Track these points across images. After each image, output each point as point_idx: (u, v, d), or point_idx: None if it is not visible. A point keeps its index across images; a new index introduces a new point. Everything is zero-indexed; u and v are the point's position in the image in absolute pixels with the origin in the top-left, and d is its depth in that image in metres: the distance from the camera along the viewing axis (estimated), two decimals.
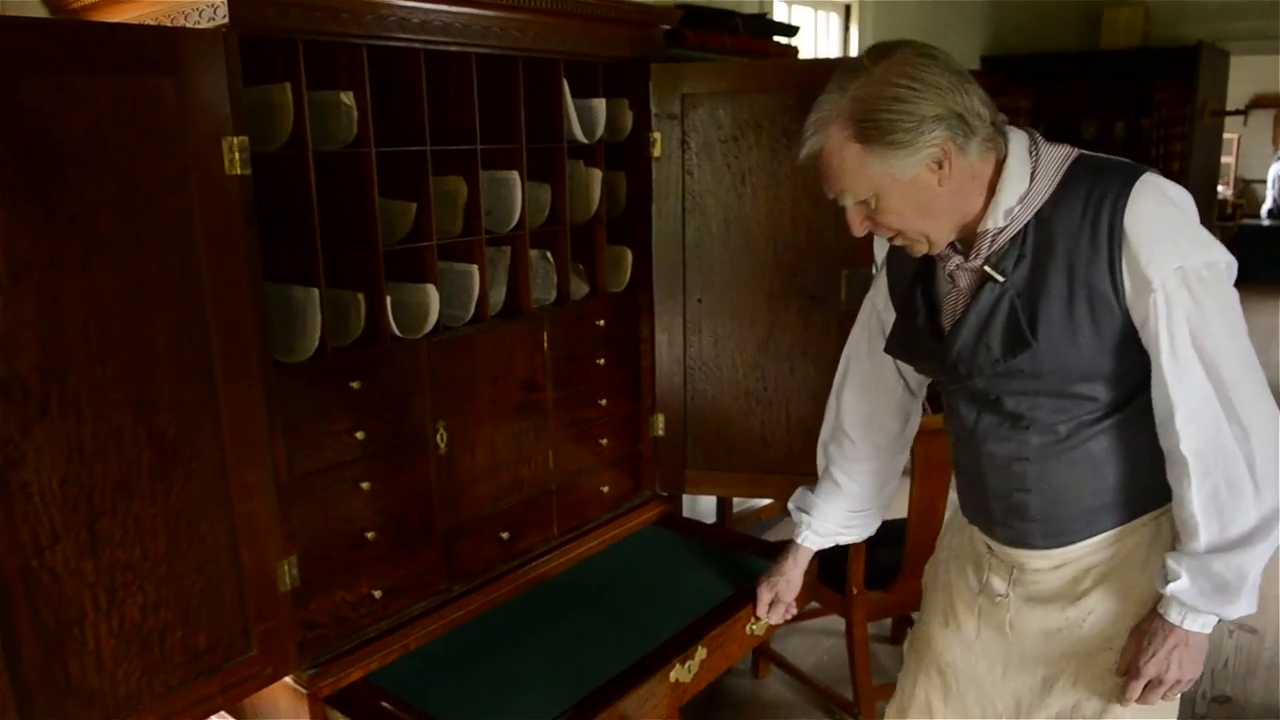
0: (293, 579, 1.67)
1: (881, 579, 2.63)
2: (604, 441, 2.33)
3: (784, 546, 1.93)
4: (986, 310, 1.40)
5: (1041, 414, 1.42)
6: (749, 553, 2.28)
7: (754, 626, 2.01)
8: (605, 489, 2.37)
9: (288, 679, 1.71)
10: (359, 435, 1.77)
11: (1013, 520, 1.51)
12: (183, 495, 1.50)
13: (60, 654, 1.38)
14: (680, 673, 1.80)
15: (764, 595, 1.95)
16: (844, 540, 1.86)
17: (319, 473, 1.73)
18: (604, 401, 2.32)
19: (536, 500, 2.18)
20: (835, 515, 1.81)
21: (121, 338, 1.39)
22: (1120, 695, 1.46)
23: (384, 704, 1.71)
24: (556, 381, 2.18)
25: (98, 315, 1.36)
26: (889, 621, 3.32)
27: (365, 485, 1.80)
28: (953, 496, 2.71)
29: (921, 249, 1.42)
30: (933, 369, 1.56)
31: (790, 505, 1.88)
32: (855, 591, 2.62)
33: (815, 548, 1.87)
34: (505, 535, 2.10)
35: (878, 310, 1.67)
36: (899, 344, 1.59)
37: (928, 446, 2.27)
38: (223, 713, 1.80)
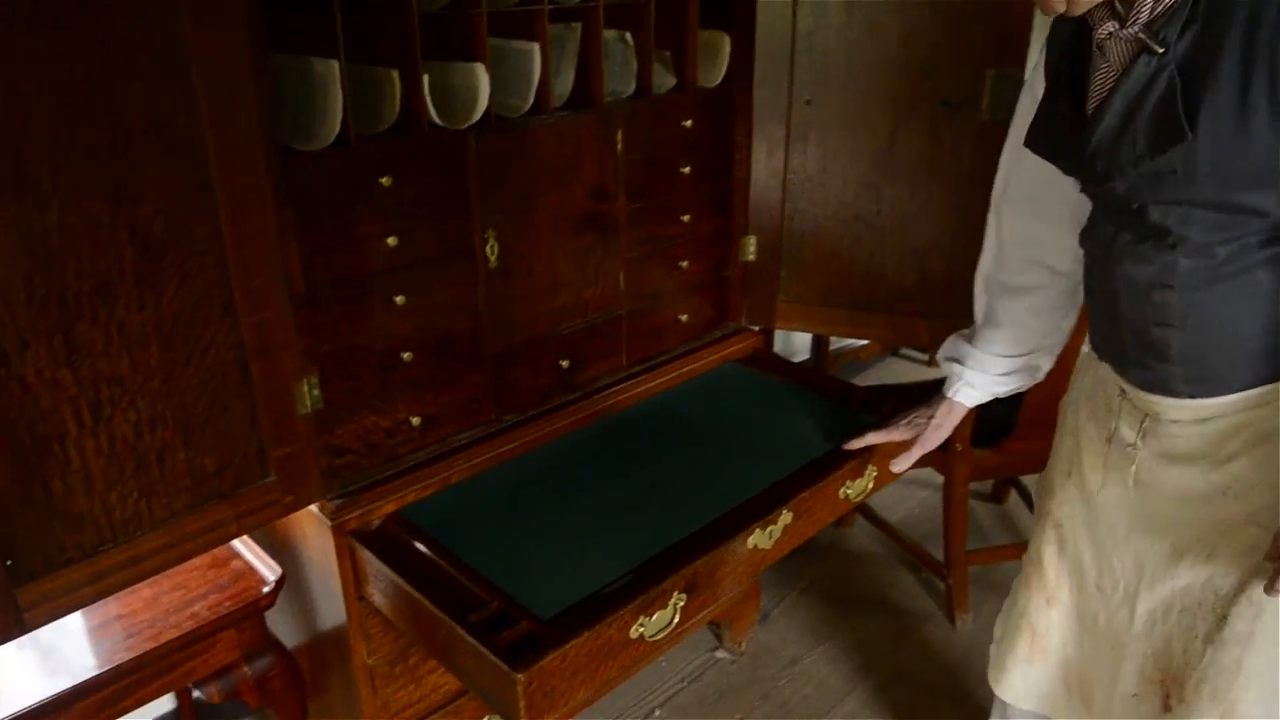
0: (314, 400, 1.48)
1: (991, 436, 2.35)
2: (684, 264, 2.04)
3: (934, 395, 1.66)
4: (1137, 89, 1.10)
5: (1195, 231, 1.13)
6: (848, 404, 1.99)
7: (849, 490, 1.75)
8: (684, 318, 2.09)
9: (312, 508, 1.55)
10: (390, 241, 1.52)
11: (1149, 360, 1.26)
12: (176, 301, 1.28)
13: (40, 472, 1.22)
14: (760, 538, 1.56)
15: (897, 434, 1.71)
16: (1003, 391, 1.60)
17: (343, 283, 1.49)
18: (687, 218, 2.01)
19: (602, 326, 1.92)
20: (995, 363, 1.55)
21: (88, 110, 1.14)
22: (1270, 584, 1.23)
23: (417, 544, 1.54)
24: (631, 191, 1.87)
25: (56, 81, 1.11)
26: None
27: (400, 300, 1.56)
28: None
29: (1059, 7, 1.09)
30: (1072, 167, 1.27)
31: (940, 356, 1.63)
32: (959, 448, 2.35)
33: (970, 403, 1.62)
34: (565, 364, 1.87)
35: (1037, 100, 1.34)
36: (1038, 135, 1.31)
37: None
38: (246, 537, 1.68)
